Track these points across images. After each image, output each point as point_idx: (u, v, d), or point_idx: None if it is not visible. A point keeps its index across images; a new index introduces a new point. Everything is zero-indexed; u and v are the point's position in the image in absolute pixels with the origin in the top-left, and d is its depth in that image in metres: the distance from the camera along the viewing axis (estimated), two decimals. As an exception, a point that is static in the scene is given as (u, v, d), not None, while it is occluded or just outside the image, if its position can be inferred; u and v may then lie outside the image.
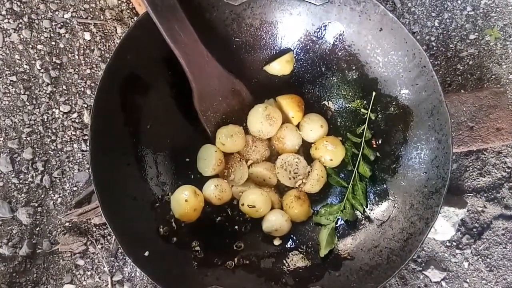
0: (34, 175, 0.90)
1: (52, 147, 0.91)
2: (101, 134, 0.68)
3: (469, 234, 0.94)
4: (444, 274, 0.92)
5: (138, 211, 0.71)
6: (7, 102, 0.91)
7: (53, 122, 0.91)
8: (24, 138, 0.90)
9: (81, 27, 0.94)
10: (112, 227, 0.65)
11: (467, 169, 0.96)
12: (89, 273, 0.88)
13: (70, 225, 0.88)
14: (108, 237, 0.89)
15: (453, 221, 0.90)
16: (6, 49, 0.92)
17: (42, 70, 0.92)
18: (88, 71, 0.93)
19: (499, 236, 0.94)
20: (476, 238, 0.94)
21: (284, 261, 0.77)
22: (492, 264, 0.93)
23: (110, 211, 0.66)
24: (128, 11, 0.96)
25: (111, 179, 0.69)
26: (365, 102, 0.81)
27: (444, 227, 0.90)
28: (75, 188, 0.90)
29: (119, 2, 0.96)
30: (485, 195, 0.95)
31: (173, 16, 0.70)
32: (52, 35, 0.94)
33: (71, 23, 0.94)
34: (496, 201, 0.95)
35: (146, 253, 0.67)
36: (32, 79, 0.92)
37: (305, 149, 0.84)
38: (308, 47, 0.81)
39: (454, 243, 0.93)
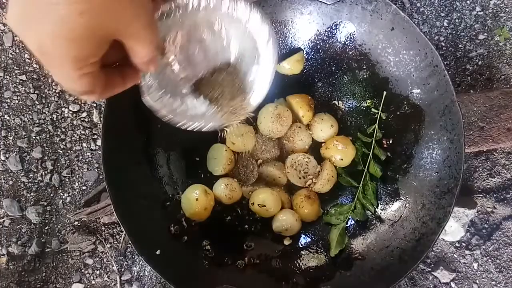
0: (43, 174, 0.90)
1: (62, 146, 0.91)
2: (113, 134, 0.68)
3: (479, 235, 0.93)
4: (453, 275, 0.91)
5: (149, 210, 0.71)
6: (16, 101, 0.91)
7: (63, 121, 0.92)
8: (34, 137, 0.90)
9: (91, 26, 0.94)
10: (124, 226, 0.65)
11: (477, 169, 0.95)
12: (98, 272, 0.88)
13: (79, 224, 0.88)
14: (117, 236, 0.89)
15: (462, 221, 0.89)
16: (15, 48, 0.92)
17: (51, 69, 0.92)
18: (97, 70, 0.94)
19: (509, 237, 0.94)
20: (486, 239, 0.93)
21: (295, 261, 0.76)
22: (501, 265, 0.93)
23: (122, 210, 0.66)
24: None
25: (123, 178, 0.69)
26: (376, 101, 0.81)
27: (453, 227, 0.89)
28: (84, 187, 0.90)
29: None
30: (494, 195, 0.95)
31: None
32: (61, 34, 0.94)
33: (81, 23, 0.94)
34: (505, 202, 0.94)
35: (158, 252, 0.67)
36: (42, 78, 0.92)
37: (315, 149, 0.84)
38: (319, 47, 0.81)
39: (464, 244, 0.93)
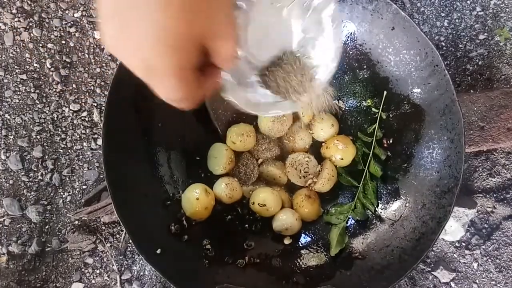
0: (43, 173, 0.90)
1: (62, 146, 0.91)
2: (114, 133, 0.68)
3: (479, 235, 0.93)
4: (453, 275, 0.91)
5: (150, 209, 0.71)
6: (17, 101, 0.91)
7: (63, 120, 0.92)
8: (34, 137, 0.90)
9: (91, 26, 0.94)
10: (124, 225, 0.65)
11: (477, 169, 0.95)
12: (98, 271, 0.88)
13: (79, 224, 0.88)
14: (117, 236, 0.89)
15: (462, 221, 0.89)
16: (16, 47, 0.92)
17: (52, 69, 0.92)
18: (98, 70, 0.94)
19: (509, 237, 0.94)
20: (486, 239, 0.93)
21: (295, 260, 0.77)
22: (501, 265, 0.93)
23: (123, 209, 0.66)
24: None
25: (123, 177, 0.69)
26: (376, 101, 0.81)
27: (453, 227, 0.89)
28: (84, 187, 0.90)
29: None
30: (494, 195, 0.95)
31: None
32: (62, 33, 0.94)
33: (81, 22, 0.95)
34: (505, 201, 0.95)
35: (158, 251, 0.67)
36: (42, 78, 0.92)
37: (315, 148, 0.84)
38: (319, 46, 0.81)
39: (464, 244, 0.93)
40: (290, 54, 0.55)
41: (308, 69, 0.55)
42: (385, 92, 0.79)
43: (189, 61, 0.37)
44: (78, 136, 0.91)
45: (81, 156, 0.91)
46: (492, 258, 0.93)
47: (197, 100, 0.41)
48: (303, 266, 0.76)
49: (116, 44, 0.35)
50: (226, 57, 0.40)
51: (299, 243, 0.79)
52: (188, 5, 0.33)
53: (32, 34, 0.93)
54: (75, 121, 0.92)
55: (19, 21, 0.93)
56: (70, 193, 0.90)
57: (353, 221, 0.79)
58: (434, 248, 0.92)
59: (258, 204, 0.77)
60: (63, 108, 0.92)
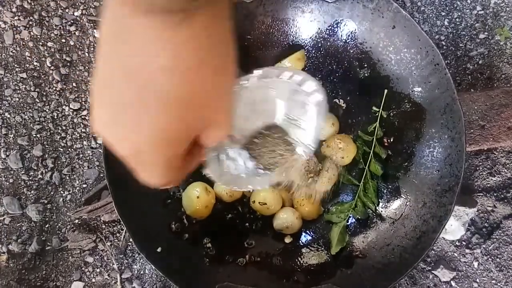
0: (43, 172, 0.90)
1: (62, 144, 0.91)
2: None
3: (479, 234, 0.93)
4: (453, 274, 0.91)
5: (150, 207, 0.71)
6: (17, 99, 0.91)
7: (63, 119, 0.91)
8: (34, 135, 0.90)
9: (91, 24, 0.94)
10: (125, 224, 0.65)
11: (477, 168, 0.95)
12: (98, 270, 0.88)
13: (79, 222, 0.88)
14: (118, 235, 0.89)
15: (463, 220, 0.89)
16: (16, 46, 0.92)
17: (52, 67, 0.92)
18: (98, 68, 0.94)
19: (509, 236, 0.94)
20: (486, 238, 0.93)
21: (296, 259, 0.77)
22: (502, 264, 0.93)
23: (123, 208, 0.66)
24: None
25: (123, 175, 0.68)
26: (377, 100, 0.81)
27: (454, 226, 0.89)
28: (84, 185, 0.90)
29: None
30: (495, 194, 0.95)
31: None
32: (62, 32, 0.94)
33: (81, 21, 0.94)
34: (506, 200, 0.95)
35: (159, 249, 0.67)
36: (42, 76, 0.92)
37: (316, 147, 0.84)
38: (320, 45, 0.81)
39: (464, 243, 0.93)
40: (274, 128, 0.56)
41: (289, 144, 0.57)
42: (385, 91, 0.79)
43: (180, 151, 0.35)
44: (78, 135, 0.91)
45: (81, 155, 0.91)
46: (492, 257, 0.93)
47: (178, 183, 0.40)
48: (303, 264, 0.76)
49: (107, 130, 0.34)
50: (215, 142, 0.38)
51: (300, 241, 0.79)
52: (199, 100, 0.32)
53: (32, 33, 0.93)
54: (75, 120, 0.91)
55: (19, 19, 0.93)
56: (70, 192, 0.90)
57: (353, 220, 0.79)
58: (434, 247, 0.92)
59: (259, 202, 0.77)
60: (63, 107, 0.92)
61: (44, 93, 0.92)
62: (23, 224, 0.88)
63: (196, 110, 0.33)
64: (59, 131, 0.91)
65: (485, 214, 0.94)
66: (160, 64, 0.30)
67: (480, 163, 0.96)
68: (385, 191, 0.79)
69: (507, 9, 1.03)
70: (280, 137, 0.56)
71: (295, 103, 0.55)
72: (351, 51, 0.80)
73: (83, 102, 0.92)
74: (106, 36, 0.31)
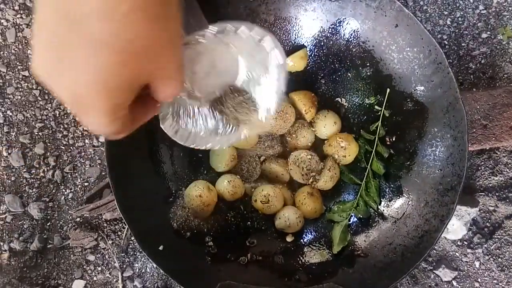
0: (45, 170, 0.90)
1: (64, 142, 0.91)
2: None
3: (481, 234, 0.93)
4: (455, 274, 0.91)
5: (152, 206, 0.71)
6: (19, 97, 0.91)
7: (65, 117, 0.91)
8: (36, 133, 0.90)
9: (94, 22, 0.94)
10: (127, 221, 0.65)
11: (479, 168, 0.95)
12: (99, 268, 0.88)
13: (81, 220, 0.88)
14: (119, 233, 0.89)
15: (465, 220, 0.89)
16: (18, 44, 0.92)
17: (54, 65, 0.92)
18: (100, 66, 0.94)
19: (511, 236, 0.94)
20: (488, 238, 0.93)
21: (297, 258, 0.76)
22: (503, 264, 0.93)
23: (125, 206, 0.66)
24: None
25: (126, 174, 0.69)
26: (379, 98, 0.80)
27: (455, 226, 0.89)
28: (86, 184, 0.90)
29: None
30: (496, 194, 0.95)
31: (189, 10, 0.69)
32: (64, 30, 0.94)
33: (84, 19, 0.94)
34: (508, 200, 0.94)
35: (161, 247, 0.67)
36: (44, 74, 0.92)
37: (318, 146, 0.83)
38: (322, 44, 0.81)
39: (466, 243, 0.93)
40: (235, 87, 0.56)
41: (251, 104, 0.56)
42: (388, 90, 0.79)
43: (125, 101, 0.35)
44: (80, 133, 0.91)
45: (83, 153, 0.91)
46: (494, 257, 0.93)
47: (128, 132, 0.40)
48: (305, 263, 0.76)
49: (49, 73, 0.33)
50: (168, 95, 0.38)
51: (302, 240, 0.79)
52: (135, 47, 0.31)
53: (34, 31, 0.93)
54: (77, 118, 0.91)
55: (21, 17, 0.93)
56: (72, 190, 0.90)
57: (355, 219, 0.79)
58: (436, 247, 0.92)
59: (261, 201, 0.77)
60: (65, 105, 0.92)
61: (46, 91, 0.92)
62: (24, 222, 0.88)
63: (134, 58, 0.32)
64: (61, 129, 0.91)
65: (487, 214, 0.94)
66: (91, 6, 0.29)
67: (482, 163, 0.95)
68: (387, 190, 0.79)
69: (510, 8, 1.03)
70: (241, 95, 0.55)
71: (255, 61, 0.53)
72: (354, 49, 0.80)
73: (85, 100, 0.92)
74: None
